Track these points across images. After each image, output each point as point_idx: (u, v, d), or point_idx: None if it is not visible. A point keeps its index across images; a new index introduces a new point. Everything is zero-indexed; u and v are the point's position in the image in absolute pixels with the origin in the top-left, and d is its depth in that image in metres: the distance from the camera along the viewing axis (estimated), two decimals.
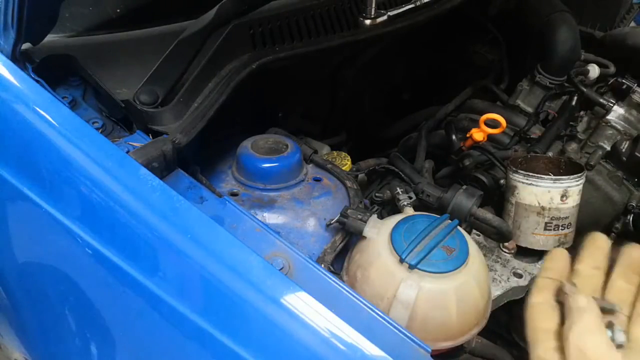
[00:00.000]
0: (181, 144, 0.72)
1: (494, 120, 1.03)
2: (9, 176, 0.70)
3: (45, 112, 0.69)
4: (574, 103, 1.33)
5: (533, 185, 0.92)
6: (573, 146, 1.26)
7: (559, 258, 0.59)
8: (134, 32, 0.95)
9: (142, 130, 0.77)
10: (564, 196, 0.91)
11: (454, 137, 1.14)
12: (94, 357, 0.70)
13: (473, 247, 0.70)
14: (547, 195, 0.91)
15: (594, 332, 0.49)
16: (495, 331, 0.95)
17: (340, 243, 0.76)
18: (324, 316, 0.56)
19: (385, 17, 1.03)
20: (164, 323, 0.62)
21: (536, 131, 1.29)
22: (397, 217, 0.75)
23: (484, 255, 0.84)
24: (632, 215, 1.18)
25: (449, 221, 0.72)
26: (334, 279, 0.62)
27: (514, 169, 0.95)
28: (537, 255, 0.95)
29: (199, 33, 0.81)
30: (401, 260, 0.66)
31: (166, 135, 0.74)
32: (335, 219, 0.76)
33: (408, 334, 0.58)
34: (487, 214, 0.88)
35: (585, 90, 1.34)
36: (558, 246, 0.94)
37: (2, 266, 0.80)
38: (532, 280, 0.90)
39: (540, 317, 0.54)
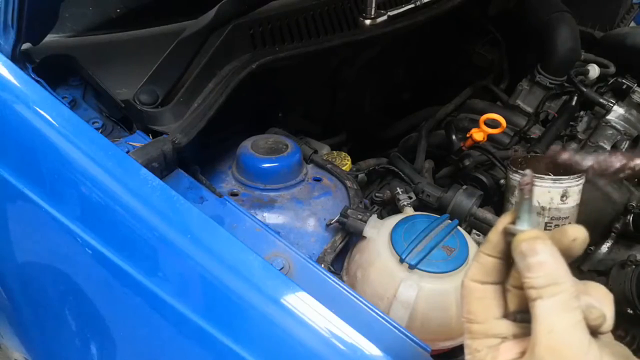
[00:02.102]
0: (181, 144, 0.72)
1: (494, 120, 1.03)
2: (9, 176, 0.70)
3: (45, 112, 0.69)
4: (574, 103, 1.33)
5: None
6: (573, 146, 1.26)
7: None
8: (134, 32, 0.95)
9: (142, 130, 0.77)
10: (564, 196, 0.91)
11: (454, 137, 1.14)
12: (94, 357, 0.70)
13: (473, 247, 0.70)
14: (547, 195, 0.91)
15: (568, 309, 0.35)
16: None
17: (340, 243, 0.76)
18: (324, 316, 0.56)
19: (385, 17, 1.03)
20: (164, 323, 0.62)
21: (536, 131, 1.30)
22: (397, 217, 0.75)
23: None
24: (632, 215, 1.18)
25: (449, 221, 0.72)
26: (334, 279, 0.62)
27: (514, 169, 0.95)
28: None
29: (199, 33, 0.81)
30: (401, 260, 0.66)
31: (166, 135, 0.74)
32: (335, 219, 0.76)
33: (408, 334, 0.58)
34: (487, 214, 0.88)
35: (585, 90, 1.35)
36: None
37: (2, 266, 0.80)
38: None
39: (480, 302, 0.41)
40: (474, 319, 0.41)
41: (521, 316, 0.40)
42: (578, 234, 0.38)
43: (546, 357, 0.35)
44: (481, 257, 0.41)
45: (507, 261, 0.41)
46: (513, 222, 0.39)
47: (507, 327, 0.40)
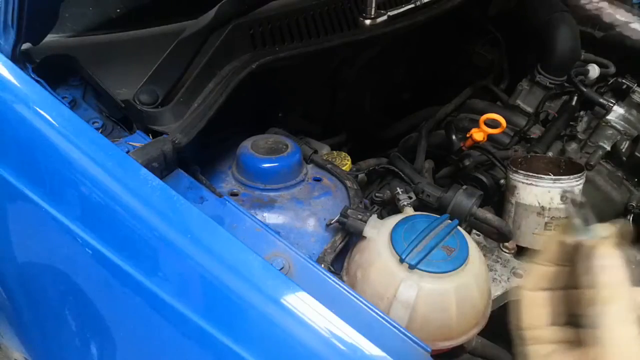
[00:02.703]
0: (181, 144, 0.72)
1: (494, 120, 1.03)
2: (9, 176, 0.70)
3: (45, 112, 0.69)
4: (574, 103, 1.33)
5: (533, 185, 0.92)
6: (573, 146, 1.26)
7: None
8: (134, 32, 0.95)
9: (142, 130, 0.77)
10: (564, 196, 0.91)
11: (454, 137, 1.14)
12: (94, 357, 0.70)
13: (473, 247, 0.70)
14: (547, 195, 0.91)
15: (630, 318, 0.37)
16: (495, 331, 0.95)
17: (340, 243, 0.76)
18: (324, 316, 0.56)
19: (385, 17, 1.03)
20: (164, 323, 0.62)
21: (536, 131, 1.29)
22: (397, 217, 0.75)
23: (484, 255, 0.84)
24: (632, 215, 1.18)
25: (449, 221, 0.72)
26: (334, 279, 0.62)
27: (514, 169, 0.95)
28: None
29: (199, 33, 0.81)
30: (401, 260, 0.66)
31: (166, 135, 0.74)
32: (335, 219, 0.76)
33: (408, 334, 0.58)
34: (487, 214, 0.88)
35: (585, 90, 1.35)
36: None
37: (2, 266, 0.80)
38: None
39: (539, 310, 0.43)
40: (533, 325, 0.43)
41: (573, 320, 0.42)
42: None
43: None
44: (539, 267, 0.44)
45: (564, 269, 0.43)
46: (571, 231, 0.42)
47: (562, 332, 0.43)
